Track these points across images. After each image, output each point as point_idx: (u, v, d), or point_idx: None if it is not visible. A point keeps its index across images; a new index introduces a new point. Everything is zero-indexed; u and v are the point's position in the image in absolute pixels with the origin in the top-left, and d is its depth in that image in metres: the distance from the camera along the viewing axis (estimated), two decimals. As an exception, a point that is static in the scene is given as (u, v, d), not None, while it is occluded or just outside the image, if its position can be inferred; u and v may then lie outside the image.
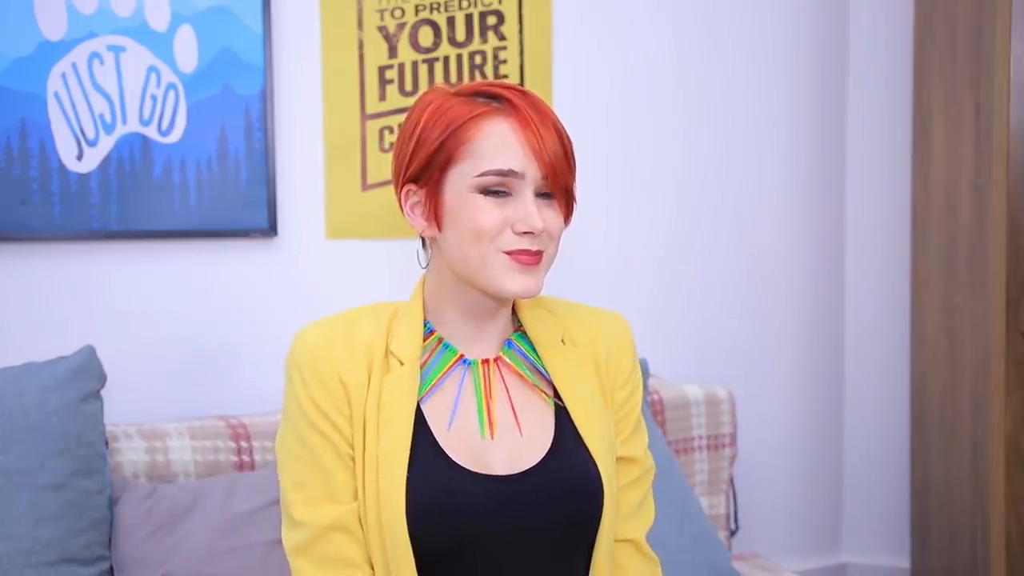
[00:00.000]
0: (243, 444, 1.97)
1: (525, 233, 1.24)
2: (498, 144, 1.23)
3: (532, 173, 1.24)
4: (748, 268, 2.80)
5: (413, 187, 1.29)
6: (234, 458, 1.95)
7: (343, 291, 2.30)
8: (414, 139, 1.27)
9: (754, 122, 2.78)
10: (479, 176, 1.23)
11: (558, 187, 1.26)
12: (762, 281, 2.82)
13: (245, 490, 1.86)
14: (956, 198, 2.61)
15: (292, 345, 1.29)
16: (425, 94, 1.31)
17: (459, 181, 1.24)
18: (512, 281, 1.24)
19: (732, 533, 2.47)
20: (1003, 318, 2.41)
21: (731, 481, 2.45)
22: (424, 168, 1.26)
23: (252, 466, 1.96)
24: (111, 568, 1.78)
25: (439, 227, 1.27)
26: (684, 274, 2.71)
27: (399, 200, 1.31)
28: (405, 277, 2.31)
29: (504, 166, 1.23)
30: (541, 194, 1.26)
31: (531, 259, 1.24)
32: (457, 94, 1.28)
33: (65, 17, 2.03)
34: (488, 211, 1.23)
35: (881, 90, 2.90)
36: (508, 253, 1.24)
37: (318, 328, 1.29)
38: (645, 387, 2.32)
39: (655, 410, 2.34)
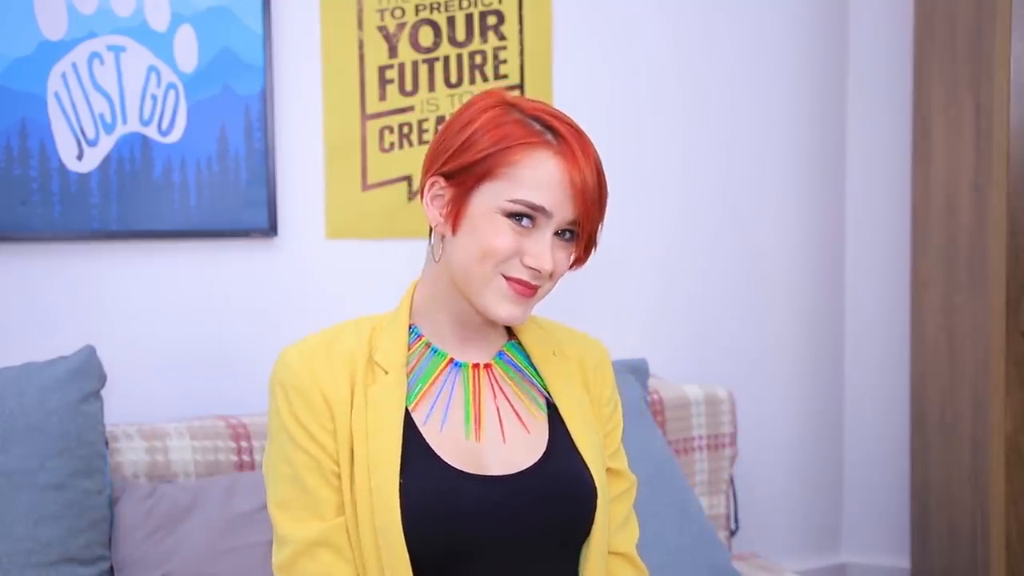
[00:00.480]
0: (243, 444, 1.97)
1: (530, 267, 1.25)
2: (542, 179, 1.24)
3: (562, 215, 1.25)
4: (748, 268, 2.80)
5: (442, 181, 1.29)
6: (234, 458, 1.95)
7: (343, 291, 2.30)
8: (462, 138, 1.27)
9: (754, 122, 2.78)
10: (511, 201, 1.24)
11: (584, 231, 1.28)
12: (762, 281, 2.82)
13: (245, 490, 1.86)
14: (956, 198, 2.61)
15: (275, 366, 1.30)
16: (484, 96, 1.30)
17: (491, 197, 1.25)
18: (501, 306, 1.26)
19: (732, 533, 2.47)
20: (1003, 318, 2.41)
21: (731, 481, 2.45)
22: (462, 170, 1.26)
23: (252, 466, 1.96)
24: (111, 568, 1.78)
25: (454, 229, 1.27)
26: (684, 274, 2.71)
27: (422, 186, 1.31)
28: (405, 277, 2.31)
29: (538, 201, 1.24)
30: (560, 232, 1.27)
31: (526, 291, 1.26)
32: (515, 106, 1.28)
33: (65, 17, 2.03)
34: (506, 235, 1.24)
35: (881, 90, 2.90)
36: (507, 278, 1.26)
37: (299, 347, 1.30)
38: (645, 387, 2.32)
39: (655, 410, 2.34)
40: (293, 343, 1.32)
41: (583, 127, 1.32)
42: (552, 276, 1.28)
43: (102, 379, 1.85)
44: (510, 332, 1.40)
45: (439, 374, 1.32)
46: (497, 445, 1.30)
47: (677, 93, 2.67)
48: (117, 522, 1.79)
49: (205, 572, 1.76)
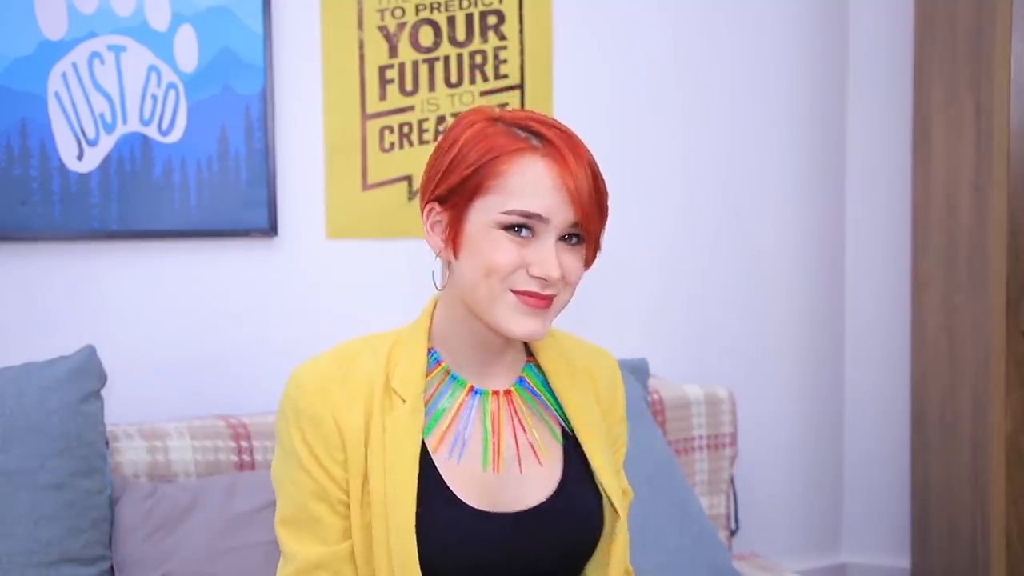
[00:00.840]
0: (243, 444, 1.97)
1: (538, 276, 1.21)
2: (531, 185, 1.20)
3: (560, 218, 1.21)
4: (748, 268, 2.80)
5: (438, 207, 1.26)
6: (234, 458, 1.95)
7: (343, 291, 2.30)
8: (448, 158, 1.24)
9: (754, 122, 2.77)
10: (505, 213, 1.20)
11: (587, 233, 1.24)
12: (762, 281, 2.82)
13: (245, 490, 1.86)
14: (956, 198, 2.61)
15: (286, 387, 1.27)
16: (467, 114, 1.28)
17: (484, 213, 1.22)
18: (516, 322, 1.22)
19: (732, 533, 2.47)
20: (1003, 318, 2.41)
21: (731, 481, 2.45)
22: (453, 191, 1.23)
23: (252, 466, 1.96)
24: (111, 568, 1.78)
25: (456, 253, 1.25)
26: (684, 274, 2.71)
27: (422, 215, 1.29)
28: (405, 277, 2.32)
29: (531, 208, 1.20)
30: (565, 237, 1.24)
31: (539, 302, 1.22)
32: (499, 120, 1.25)
33: (65, 17, 2.03)
34: (506, 249, 1.21)
35: (881, 90, 2.90)
36: (516, 292, 1.22)
37: (313, 368, 1.27)
38: (645, 387, 2.32)
39: (655, 410, 2.34)
40: (306, 362, 1.28)
41: (583, 127, 1.30)
42: (567, 283, 1.24)
43: (102, 379, 1.85)
44: (528, 351, 1.37)
45: (459, 405, 1.30)
46: (514, 477, 1.29)
47: (677, 93, 2.67)
48: (117, 522, 1.79)
49: (205, 572, 1.76)
